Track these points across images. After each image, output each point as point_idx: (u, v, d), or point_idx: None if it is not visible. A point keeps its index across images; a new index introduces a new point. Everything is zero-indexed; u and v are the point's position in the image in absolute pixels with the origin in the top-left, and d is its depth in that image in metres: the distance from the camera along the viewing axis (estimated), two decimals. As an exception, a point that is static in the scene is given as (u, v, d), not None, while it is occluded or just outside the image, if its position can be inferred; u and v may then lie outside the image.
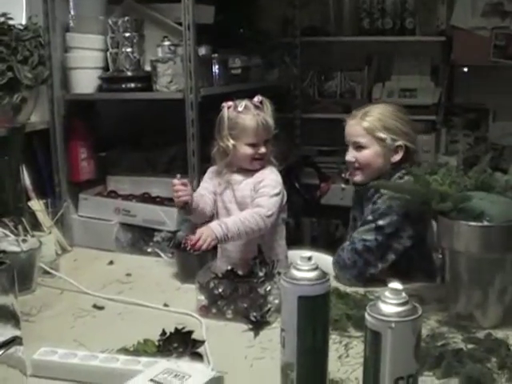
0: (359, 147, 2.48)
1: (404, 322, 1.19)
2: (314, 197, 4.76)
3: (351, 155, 2.51)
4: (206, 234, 2.44)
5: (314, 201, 4.75)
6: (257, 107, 2.66)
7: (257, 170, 2.70)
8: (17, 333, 1.55)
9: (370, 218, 2.37)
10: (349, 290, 2.23)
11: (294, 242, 2.91)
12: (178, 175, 2.58)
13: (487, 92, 4.74)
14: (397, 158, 2.46)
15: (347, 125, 2.54)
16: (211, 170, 2.81)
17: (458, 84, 4.98)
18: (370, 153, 2.47)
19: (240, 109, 2.66)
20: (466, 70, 4.92)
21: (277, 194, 2.63)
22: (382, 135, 2.44)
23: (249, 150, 2.66)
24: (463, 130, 4.97)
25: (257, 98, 2.68)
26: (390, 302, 1.21)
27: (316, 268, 1.29)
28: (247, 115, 2.64)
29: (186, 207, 2.58)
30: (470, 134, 4.96)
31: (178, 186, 2.53)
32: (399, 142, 2.45)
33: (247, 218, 2.52)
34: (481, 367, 1.66)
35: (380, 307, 1.22)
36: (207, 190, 2.75)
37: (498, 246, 1.92)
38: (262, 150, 2.66)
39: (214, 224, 2.52)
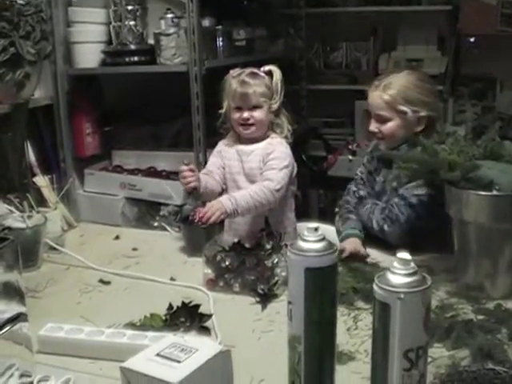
0: (382, 119, 2.47)
1: (413, 292, 1.17)
2: (321, 168, 4.75)
3: (374, 126, 2.50)
4: (215, 207, 2.43)
5: (321, 172, 4.74)
6: (255, 76, 2.65)
7: (265, 141, 2.70)
8: (22, 309, 1.54)
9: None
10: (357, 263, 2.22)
11: (301, 214, 2.90)
12: (185, 161, 2.57)
13: (494, 61, 4.70)
14: (419, 128, 2.44)
15: (369, 95, 2.52)
16: (221, 142, 2.80)
17: (465, 53, 4.93)
18: (392, 125, 2.45)
19: (233, 74, 2.68)
20: (472, 39, 4.87)
21: (286, 167, 2.62)
22: (403, 108, 2.42)
23: (235, 114, 2.68)
24: (470, 100, 4.94)
25: (263, 68, 2.67)
26: (398, 272, 1.19)
27: (323, 239, 1.27)
28: (236, 79, 2.65)
29: (195, 192, 2.57)
30: (477, 104, 4.93)
31: (185, 172, 2.52)
32: (421, 113, 2.43)
33: (257, 192, 2.51)
34: (491, 338, 1.65)
35: (388, 278, 1.20)
36: (215, 164, 2.75)
37: (508, 215, 1.90)
38: (244, 114, 2.65)
39: (224, 198, 2.51)
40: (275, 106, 2.66)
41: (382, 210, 2.42)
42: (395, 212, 2.37)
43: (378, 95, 2.46)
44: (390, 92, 2.44)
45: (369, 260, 2.27)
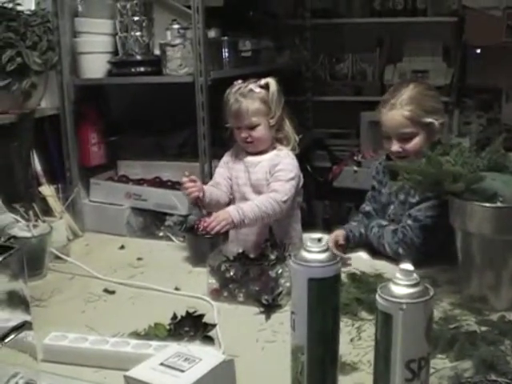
0: (405, 137, 2.42)
1: (415, 303, 1.18)
2: (326, 179, 4.75)
3: (397, 146, 2.43)
4: (221, 217, 2.45)
5: (327, 183, 4.74)
6: (249, 93, 2.66)
7: (272, 152, 2.72)
8: (27, 318, 1.54)
9: (430, 194, 2.31)
10: (361, 272, 2.22)
11: (306, 225, 2.90)
12: (186, 172, 2.59)
13: (500, 72, 4.72)
14: (438, 135, 2.44)
15: (384, 116, 2.46)
16: (228, 153, 2.82)
17: (471, 65, 4.94)
18: (418, 141, 2.41)
19: (233, 89, 2.70)
20: (478, 51, 4.88)
21: (292, 178, 2.63)
22: (429, 120, 2.39)
23: (235, 132, 2.72)
24: (476, 111, 4.95)
25: (259, 82, 2.68)
26: (401, 283, 1.20)
27: (326, 250, 1.28)
28: (233, 96, 2.68)
29: (199, 202, 2.57)
30: (482, 115, 4.94)
31: (187, 183, 2.54)
32: (441, 120, 2.43)
33: (264, 204, 2.52)
34: (494, 350, 1.65)
35: (391, 289, 1.21)
36: (222, 176, 2.77)
37: (511, 227, 1.90)
38: (243, 134, 2.68)
39: (231, 209, 2.52)
40: (273, 121, 2.67)
41: (392, 232, 2.40)
42: (409, 236, 2.35)
43: (398, 113, 2.40)
44: (410, 107, 2.39)
45: (373, 271, 2.26)
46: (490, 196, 1.90)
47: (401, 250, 2.35)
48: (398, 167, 2.17)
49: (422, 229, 2.33)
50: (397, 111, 2.41)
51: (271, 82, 2.68)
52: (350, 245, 2.53)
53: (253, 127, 2.65)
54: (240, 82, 2.71)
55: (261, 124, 2.65)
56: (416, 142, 2.41)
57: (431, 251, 2.30)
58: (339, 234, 2.52)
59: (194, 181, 2.55)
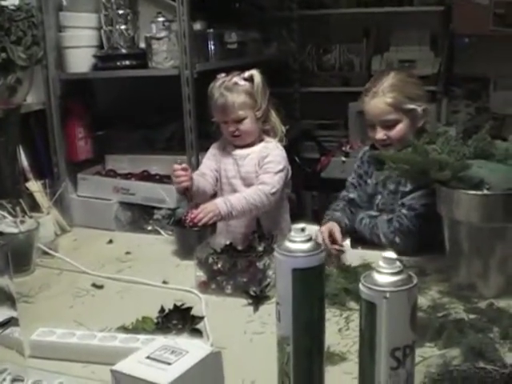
0: (388, 124, 2.43)
1: (399, 291, 1.17)
2: (314, 170, 4.75)
3: (382, 133, 2.44)
4: (208, 209, 2.45)
5: (315, 174, 4.74)
6: (234, 86, 2.65)
7: (260, 144, 2.72)
8: (13, 314, 1.54)
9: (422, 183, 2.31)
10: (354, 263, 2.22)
11: (295, 216, 2.90)
12: (179, 160, 2.58)
13: (488, 61, 4.72)
14: (421, 122, 2.45)
15: (367, 104, 2.47)
16: (215, 145, 2.81)
17: (458, 54, 4.95)
18: (401, 127, 2.42)
19: (216, 83, 2.70)
20: (466, 40, 4.88)
21: (281, 170, 2.63)
22: (411, 106, 2.40)
23: (222, 126, 2.72)
24: (464, 100, 4.96)
25: (243, 74, 2.67)
26: (384, 271, 1.20)
27: (310, 239, 1.27)
28: (217, 89, 2.67)
29: (187, 193, 2.56)
30: (471, 104, 4.95)
31: (178, 171, 2.52)
32: (423, 107, 2.44)
33: (252, 196, 2.52)
34: (483, 337, 1.65)
35: (374, 277, 1.20)
36: (209, 167, 2.76)
37: (499, 214, 1.91)
38: (230, 128, 2.68)
39: (219, 200, 2.53)
40: (259, 113, 2.67)
41: (388, 222, 2.41)
42: (405, 224, 2.36)
43: (381, 101, 2.42)
44: (392, 94, 2.41)
45: (362, 261, 2.25)
46: (476, 184, 1.90)
47: (397, 239, 2.36)
48: (384, 156, 2.17)
49: (418, 217, 2.34)
50: (379, 99, 2.43)
51: (255, 73, 2.68)
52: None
53: (240, 120, 2.65)
54: (223, 75, 2.70)
55: (247, 117, 2.65)
56: (400, 128, 2.42)
57: (426, 239, 2.31)
58: (332, 227, 2.44)
59: (185, 169, 2.53)
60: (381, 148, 2.48)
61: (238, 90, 2.64)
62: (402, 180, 2.38)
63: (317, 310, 1.30)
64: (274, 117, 2.73)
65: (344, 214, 2.55)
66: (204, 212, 2.44)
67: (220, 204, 2.49)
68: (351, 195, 2.61)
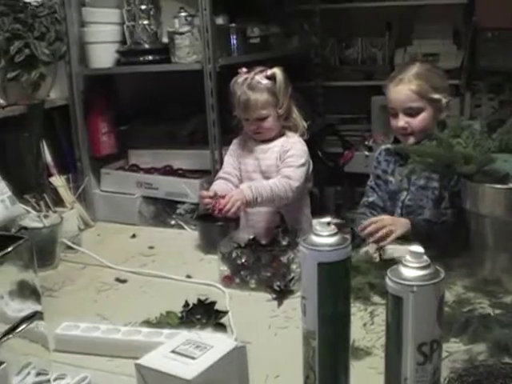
0: (412, 112, 2.42)
1: (426, 285, 1.17)
2: (337, 165, 4.73)
3: (404, 121, 2.43)
4: (235, 198, 2.44)
5: (338, 169, 4.73)
6: (257, 85, 2.65)
7: (282, 138, 2.72)
8: (38, 308, 1.54)
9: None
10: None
11: (318, 210, 2.89)
12: (205, 185, 2.58)
13: (511, 55, 4.67)
14: (445, 114, 2.44)
15: (392, 91, 2.47)
16: (235, 141, 2.81)
17: (482, 47, 4.89)
18: (424, 117, 2.42)
19: (239, 79, 2.68)
20: (489, 33, 4.83)
21: (303, 164, 2.63)
22: (437, 96, 2.39)
23: (244, 122, 2.72)
24: (487, 94, 4.91)
25: (265, 73, 2.66)
26: (411, 265, 1.19)
27: (336, 233, 1.26)
28: (240, 87, 2.67)
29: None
30: (494, 98, 4.90)
31: (206, 199, 2.51)
32: (448, 99, 2.42)
33: (277, 185, 2.52)
34: (508, 332, 1.63)
35: (401, 271, 1.19)
36: (232, 165, 2.77)
37: (524, 208, 1.89)
38: (252, 127, 2.69)
39: (244, 187, 2.53)
40: (282, 111, 2.66)
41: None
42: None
43: (406, 88, 2.41)
44: (418, 82, 2.40)
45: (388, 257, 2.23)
46: (501, 177, 1.89)
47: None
48: (409, 150, 2.16)
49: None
50: (404, 85, 2.42)
51: (278, 72, 2.66)
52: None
53: (262, 119, 2.65)
54: (245, 70, 2.70)
55: (270, 115, 2.65)
56: (422, 117, 2.41)
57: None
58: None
59: (212, 197, 2.52)
60: (401, 138, 2.48)
61: (260, 88, 2.64)
62: (432, 175, 2.37)
63: (342, 304, 1.29)
64: (295, 113, 2.73)
65: (364, 219, 2.53)
66: (232, 201, 2.43)
67: (246, 191, 2.49)
68: (370, 199, 2.60)
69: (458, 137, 2.05)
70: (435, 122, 2.38)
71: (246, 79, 2.66)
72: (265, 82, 2.65)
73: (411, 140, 2.44)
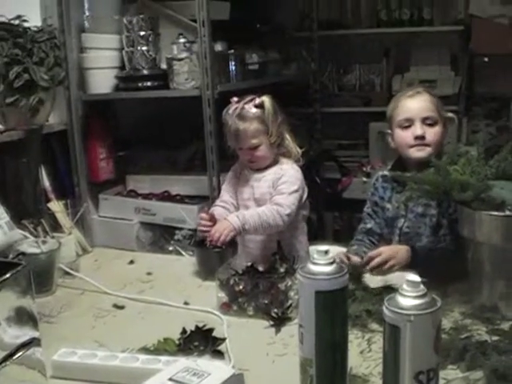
0: (428, 122, 2.45)
1: (423, 314, 1.17)
2: (335, 191, 4.74)
3: (421, 130, 2.44)
4: (222, 227, 2.46)
5: (336, 195, 4.73)
6: (246, 115, 2.66)
7: (276, 166, 2.72)
8: (35, 334, 1.54)
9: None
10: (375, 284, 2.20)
11: (316, 236, 2.90)
12: (206, 208, 2.59)
13: (508, 80, 4.69)
14: (444, 141, 2.48)
15: (408, 102, 2.50)
16: (233, 168, 2.83)
17: (479, 73, 4.92)
18: (438, 130, 2.45)
19: (229, 110, 2.70)
20: (486, 59, 4.86)
21: (296, 191, 2.63)
22: (450, 114, 2.43)
23: (238, 151, 2.73)
24: (485, 120, 4.92)
25: (254, 102, 2.68)
26: (408, 294, 1.19)
27: (333, 262, 1.27)
28: (230, 120, 2.69)
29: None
30: (491, 124, 4.91)
31: (204, 222, 2.55)
32: (451, 124, 2.46)
33: (265, 213, 2.53)
34: (505, 359, 1.63)
35: (398, 300, 1.20)
36: (229, 192, 2.80)
37: (521, 235, 1.89)
38: (245, 156, 2.72)
39: (230, 216, 2.56)
40: (272, 139, 2.67)
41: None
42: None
43: (425, 98, 2.47)
44: (432, 98, 2.47)
45: (384, 283, 2.23)
46: (498, 205, 1.89)
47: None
48: (405, 178, 2.16)
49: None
50: (423, 96, 2.47)
51: (266, 100, 2.68)
52: None
53: (255, 148, 2.66)
54: (235, 99, 2.71)
55: (262, 144, 2.66)
56: (437, 130, 2.45)
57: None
58: (354, 259, 2.39)
59: (212, 220, 2.55)
60: (414, 153, 2.46)
61: (250, 117, 2.65)
62: (430, 203, 2.37)
63: (340, 332, 1.29)
64: (288, 139, 2.74)
65: (362, 245, 2.54)
66: (219, 231, 2.45)
67: (231, 218, 2.51)
68: (368, 225, 2.61)
69: (454, 164, 2.05)
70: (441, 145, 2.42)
71: (235, 109, 2.67)
72: (254, 110, 2.66)
73: (427, 152, 2.44)
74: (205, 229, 2.54)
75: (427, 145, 2.44)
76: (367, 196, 2.67)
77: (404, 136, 2.47)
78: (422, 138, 2.43)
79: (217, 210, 2.69)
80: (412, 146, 2.45)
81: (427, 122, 2.44)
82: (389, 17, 4.88)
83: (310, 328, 1.27)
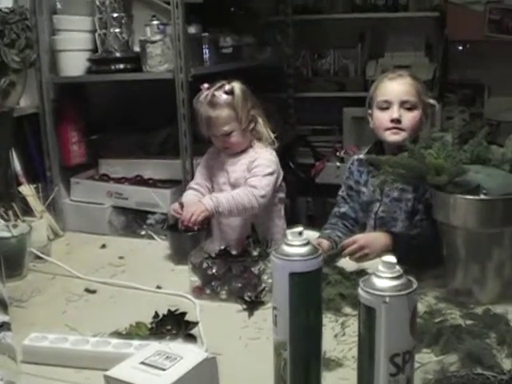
0: (407, 106, 2.42)
1: (399, 296, 1.16)
2: (308, 176, 4.74)
3: (398, 113, 2.41)
4: (194, 207, 2.45)
5: (309, 180, 4.73)
6: (217, 102, 2.66)
7: (250, 150, 2.71)
8: (5, 319, 1.52)
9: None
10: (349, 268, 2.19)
11: (289, 221, 2.88)
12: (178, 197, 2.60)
13: (482, 67, 4.72)
14: (423, 127, 2.46)
15: (388, 84, 2.47)
16: (209, 151, 2.83)
17: (453, 60, 4.94)
18: (416, 114, 2.42)
19: (201, 97, 2.70)
20: (460, 46, 4.88)
21: (270, 174, 2.62)
22: (431, 100, 2.41)
23: (213, 139, 2.73)
24: (459, 106, 4.94)
25: (224, 88, 2.66)
26: (383, 276, 1.18)
27: (307, 243, 1.26)
28: (201, 108, 2.69)
29: None
30: (465, 110, 4.93)
31: (176, 211, 2.54)
32: (428, 111, 2.46)
33: (239, 194, 2.53)
34: (480, 343, 1.63)
35: (373, 282, 1.18)
36: (203, 176, 2.80)
37: (496, 219, 1.90)
38: (219, 143, 2.72)
39: (205, 198, 2.56)
40: (243, 125, 2.67)
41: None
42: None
43: (406, 81, 2.44)
44: (415, 82, 2.44)
45: (357, 267, 2.22)
46: (473, 189, 1.89)
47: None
48: (380, 161, 2.15)
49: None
50: (405, 79, 2.44)
51: (236, 85, 2.68)
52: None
53: (227, 134, 2.65)
54: (206, 86, 2.70)
55: (234, 130, 2.65)
56: (415, 115, 2.42)
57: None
58: (324, 243, 2.40)
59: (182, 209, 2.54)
60: (389, 136, 2.44)
61: (220, 104, 2.65)
62: (406, 187, 2.37)
63: (314, 314, 1.28)
64: (261, 125, 2.72)
65: (336, 229, 2.53)
66: (190, 211, 2.44)
67: (206, 200, 2.52)
68: (342, 209, 2.59)
69: (429, 148, 2.04)
70: (418, 131, 2.41)
71: (206, 96, 2.66)
72: (224, 97, 2.65)
73: (402, 136, 2.41)
74: (178, 216, 2.53)
75: (402, 129, 2.42)
76: (342, 180, 2.66)
77: (381, 117, 2.45)
78: (398, 121, 2.41)
79: (188, 197, 2.70)
80: (388, 129, 2.43)
81: (405, 105, 2.41)
82: (364, 2, 4.88)
83: (284, 311, 1.26)
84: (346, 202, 2.59)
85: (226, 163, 2.73)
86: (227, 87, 2.66)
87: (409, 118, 2.41)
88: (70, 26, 3.48)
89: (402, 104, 2.42)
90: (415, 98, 2.42)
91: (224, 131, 2.64)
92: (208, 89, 2.68)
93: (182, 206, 2.54)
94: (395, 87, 2.45)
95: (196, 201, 2.62)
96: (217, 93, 2.66)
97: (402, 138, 2.39)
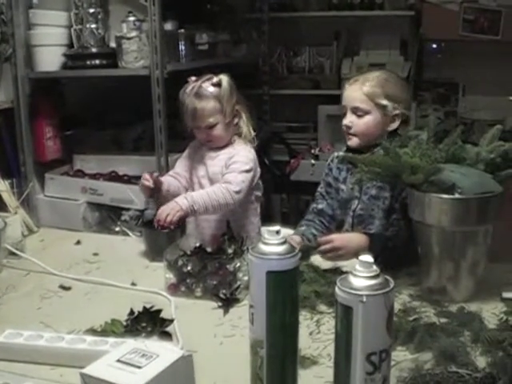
0: (358, 113, 2.43)
1: (376, 295, 1.17)
2: (283, 173, 4.74)
3: (349, 120, 2.45)
4: (170, 207, 2.43)
5: (284, 177, 4.74)
6: (203, 94, 2.65)
7: (230, 146, 2.71)
8: (-21, 315, 1.51)
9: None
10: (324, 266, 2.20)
11: (264, 218, 2.89)
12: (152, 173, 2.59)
13: (456, 66, 4.75)
14: (394, 126, 2.44)
15: (347, 89, 2.49)
16: (192, 144, 2.82)
17: (428, 58, 4.97)
18: (368, 120, 2.42)
19: (187, 89, 2.68)
20: (435, 45, 4.90)
21: (247, 171, 2.62)
22: (384, 102, 2.40)
23: (194, 131, 2.72)
24: (433, 105, 4.97)
25: (211, 81, 2.66)
26: (360, 275, 1.18)
27: (284, 242, 1.26)
28: (187, 100, 2.67)
29: (155, 196, 2.58)
30: (439, 109, 4.96)
31: (147, 182, 2.54)
32: (398, 111, 2.42)
33: (214, 191, 2.51)
34: (454, 341, 1.65)
35: (351, 281, 1.19)
36: (183, 167, 2.79)
37: (470, 218, 1.91)
38: (202, 136, 2.71)
39: (179, 197, 2.52)
40: (227, 119, 2.66)
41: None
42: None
43: (358, 87, 2.43)
44: (370, 83, 2.42)
45: (332, 265, 2.23)
46: (448, 187, 1.90)
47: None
48: (357, 159, 2.16)
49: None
50: (357, 85, 2.44)
51: (223, 78, 2.67)
52: None
53: (211, 127, 2.64)
54: (193, 79, 2.69)
55: (218, 123, 2.64)
56: (366, 120, 2.43)
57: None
58: (295, 238, 2.43)
59: (154, 183, 2.54)
60: (346, 136, 2.49)
61: (207, 96, 2.64)
62: (384, 185, 2.37)
63: (291, 313, 1.29)
64: (244, 121, 2.72)
65: (311, 226, 2.54)
66: (165, 212, 2.42)
67: (180, 199, 2.48)
68: (320, 206, 2.60)
69: (405, 147, 2.06)
70: (383, 131, 2.40)
71: (193, 88, 2.65)
72: (211, 89, 2.65)
73: (354, 142, 2.46)
74: (146, 183, 2.53)
75: (354, 135, 2.45)
76: (317, 178, 2.67)
77: (342, 122, 2.49)
78: (348, 127, 2.46)
79: (165, 178, 2.69)
80: (345, 133, 2.48)
81: (357, 112, 2.44)
82: (340, 0, 4.87)
83: (261, 309, 1.26)
84: (324, 199, 2.59)
85: (205, 157, 2.72)
86: (215, 79, 2.66)
87: (359, 124, 2.44)
88: (45, 20, 3.44)
89: (354, 110, 2.44)
90: (366, 104, 2.42)
91: (209, 123, 2.63)
92: (195, 81, 2.67)
93: (156, 181, 2.53)
94: (348, 94, 2.48)
95: (174, 183, 2.65)
96: (204, 84, 2.65)
97: (355, 144, 2.46)
